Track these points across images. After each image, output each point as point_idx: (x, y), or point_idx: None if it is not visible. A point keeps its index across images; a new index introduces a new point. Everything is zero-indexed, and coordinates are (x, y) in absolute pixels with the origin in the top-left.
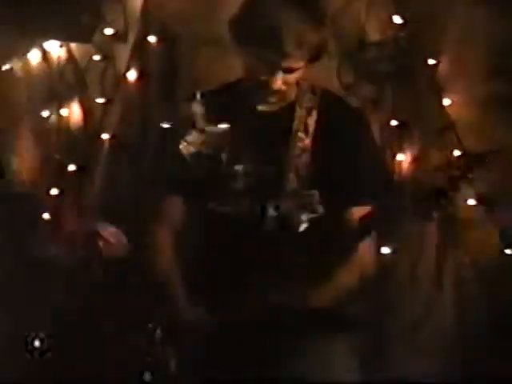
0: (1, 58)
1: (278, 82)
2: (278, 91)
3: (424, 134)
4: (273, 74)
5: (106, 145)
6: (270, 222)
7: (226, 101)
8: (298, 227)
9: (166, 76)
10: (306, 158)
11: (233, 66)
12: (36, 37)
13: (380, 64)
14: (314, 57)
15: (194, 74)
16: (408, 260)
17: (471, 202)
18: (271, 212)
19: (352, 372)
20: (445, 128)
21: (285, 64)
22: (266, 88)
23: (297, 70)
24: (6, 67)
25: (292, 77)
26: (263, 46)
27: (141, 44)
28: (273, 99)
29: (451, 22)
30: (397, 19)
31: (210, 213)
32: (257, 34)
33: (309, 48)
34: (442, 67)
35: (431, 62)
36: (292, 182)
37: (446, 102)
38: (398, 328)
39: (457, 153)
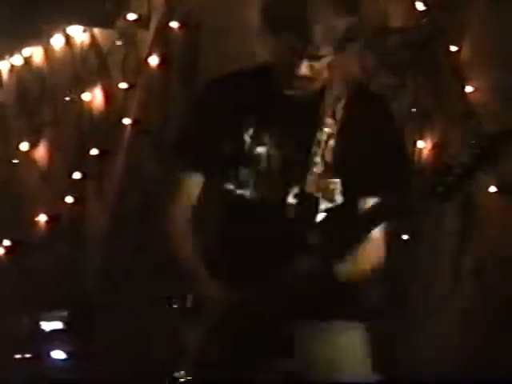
0: (23, 44)
1: (304, 68)
2: (305, 77)
3: (445, 121)
4: (299, 60)
5: (128, 129)
6: (289, 209)
7: (252, 83)
8: (315, 217)
9: (188, 62)
10: (332, 144)
11: (255, 53)
12: (59, 22)
13: (402, 51)
14: (342, 46)
15: (215, 60)
16: (426, 248)
17: (492, 189)
18: (291, 199)
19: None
20: (466, 115)
21: (311, 51)
22: (292, 73)
23: (323, 57)
24: (28, 52)
25: (318, 64)
26: (290, 32)
27: (163, 30)
28: (299, 84)
29: (473, 8)
30: (419, 6)
31: (228, 194)
32: (285, 21)
33: (336, 36)
34: (464, 54)
35: (453, 48)
36: (318, 167)
37: (468, 88)
38: (414, 317)
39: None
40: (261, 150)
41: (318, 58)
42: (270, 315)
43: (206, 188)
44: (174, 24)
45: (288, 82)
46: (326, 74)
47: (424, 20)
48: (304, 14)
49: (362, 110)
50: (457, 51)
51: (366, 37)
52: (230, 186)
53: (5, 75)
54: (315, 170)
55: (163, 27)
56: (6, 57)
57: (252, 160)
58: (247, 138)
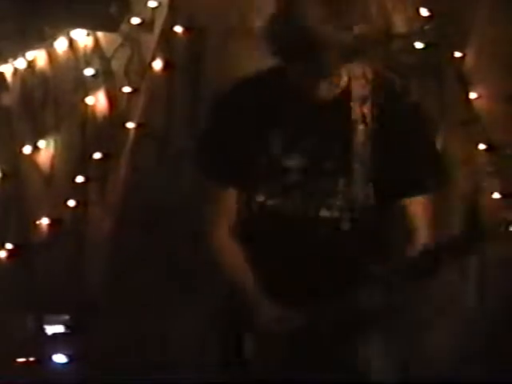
0: (27, 47)
1: (322, 89)
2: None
3: (449, 127)
4: (315, 83)
5: (132, 133)
6: (322, 223)
7: (273, 89)
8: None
9: (192, 66)
10: (368, 148)
11: (261, 57)
12: (63, 25)
13: (406, 56)
14: (353, 56)
15: (220, 65)
16: None
17: (496, 195)
18: (324, 212)
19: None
20: (470, 121)
21: (325, 73)
22: (311, 94)
23: (337, 74)
24: (31, 56)
25: (336, 78)
26: (301, 60)
27: (167, 34)
28: (324, 85)
29: (478, 14)
30: (424, 12)
31: (259, 206)
32: (293, 50)
33: (345, 50)
34: (469, 60)
35: (457, 54)
36: (357, 174)
37: (473, 95)
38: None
39: (482, 146)
40: (291, 161)
41: (332, 76)
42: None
43: (242, 202)
44: (178, 28)
45: (310, 85)
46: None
47: (428, 26)
48: (310, 39)
49: (392, 111)
50: (461, 57)
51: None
52: (260, 199)
53: (9, 78)
54: (355, 177)
55: (167, 31)
56: (10, 60)
57: (283, 172)
58: (277, 150)
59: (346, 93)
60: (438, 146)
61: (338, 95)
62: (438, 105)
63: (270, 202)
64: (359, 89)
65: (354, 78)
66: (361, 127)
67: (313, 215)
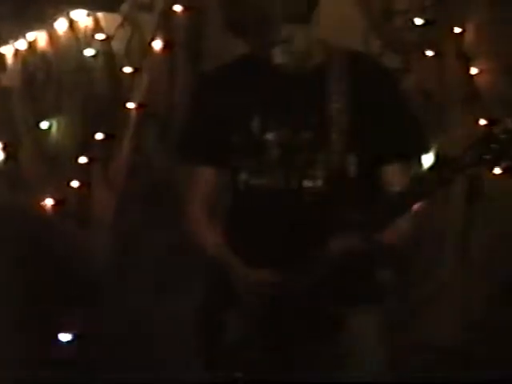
0: (27, 28)
1: (279, 55)
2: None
3: (450, 103)
4: (271, 50)
5: (133, 113)
6: (305, 194)
7: (247, 71)
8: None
9: (192, 45)
10: (346, 118)
11: None
12: (63, 6)
13: (406, 33)
14: (306, 18)
15: (220, 43)
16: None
17: (497, 170)
18: (307, 183)
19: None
20: (471, 97)
21: (276, 37)
22: (272, 63)
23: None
24: (32, 37)
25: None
26: (251, 31)
27: (167, 13)
28: (292, 64)
29: None
30: None
31: (244, 184)
32: (243, 23)
33: (297, 11)
34: (469, 36)
35: (457, 30)
36: (336, 144)
37: (473, 70)
38: (422, 297)
39: (482, 122)
40: (270, 137)
41: (286, 40)
42: (310, 297)
43: (220, 179)
44: (178, 7)
45: (283, 60)
46: (322, 49)
47: (427, 2)
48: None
49: (367, 81)
50: (461, 33)
51: (370, 19)
52: (244, 176)
53: (9, 59)
54: (334, 147)
55: (167, 10)
56: (11, 41)
57: (262, 147)
58: (254, 127)
59: (321, 66)
60: (414, 112)
61: (311, 70)
62: (439, 81)
63: (253, 180)
64: (335, 62)
65: (329, 54)
66: (336, 98)
67: (296, 187)
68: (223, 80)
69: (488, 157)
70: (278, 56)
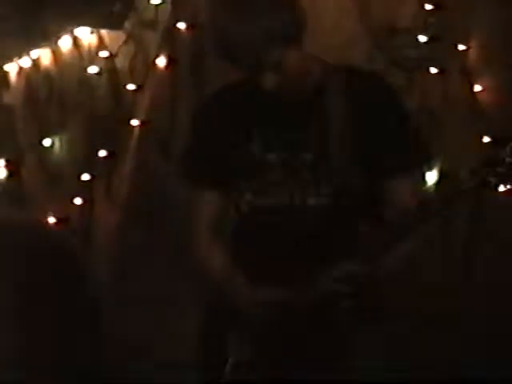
0: (31, 45)
1: (269, 80)
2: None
3: (454, 120)
4: (260, 76)
5: (137, 131)
6: (310, 212)
7: (245, 94)
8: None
9: (196, 63)
10: (346, 134)
11: None
12: (67, 23)
13: (410, 50)
14: (288, 42)
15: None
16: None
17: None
18: (311, 201)
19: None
20: (475, 114)
21: (262, 65)
22: (264, 88)
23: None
24: (36, 54)
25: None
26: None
27: (170, 31)
28: (286, 88)
29: (481, 7)
30: (427, 5)
31: (248, 205)
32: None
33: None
34: (473, 53)
35: (461, 47)
36: (337, 161)
37: (477, 88)
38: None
39: (486, 139)
40: (272, 158)
41: (274, 66)
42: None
43: (225, 201)
44: (182, 25)
45: (278, 84)
46: (319, 68)
47: (432, 19)
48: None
49: (367, 98)
50: (465, 50)
51: (374, 36)
52: (248, 197)
53: (13, 77)
54: (336, 164)
55: (171, 28)
56: (15, 59)
57: (266, 170)
58: (257, 149)
59: (319, 84)
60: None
61: (310, 88)
62: (443, 98)
63: (257, 201)
64: (332, 81)
65: (326, 72)
66: (336, 116)
67: (300, 205)
68: (221, 104)
69: (493, 180)
70: (268, 80)
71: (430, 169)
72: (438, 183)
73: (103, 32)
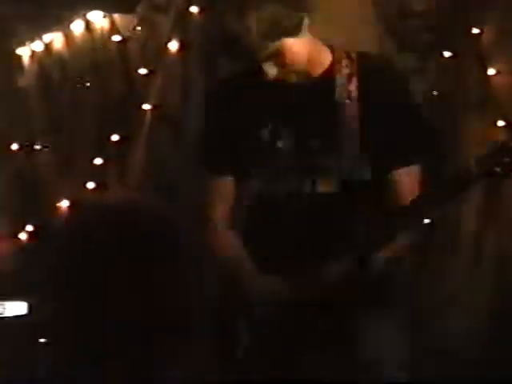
0: (44, 29)
1: (270, 69)
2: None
3: (467, 104)
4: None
5: (149, 115)
6: (319, 199)
7: (256, 80)
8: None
9: (208, 47)
10: (355, 124)
11: None
12: (79, 8)
13: (423, 33)
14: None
15: None
16: (446, 232)
17: None
18: (321, 188)
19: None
20: (489, 98)
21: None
22: (265, 78)
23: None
24: (48, 38)
25: (295, 44)
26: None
27: (183, 15)
28: (269, 67)
29: None
30: None
31: (259, 192)
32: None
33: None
34: (486, 36)
35: (475, 31)
36: (348, 148)
37: (491, 71)
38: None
39: (501, 123)
40: (282, 145)
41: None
42: (318, 306)
43: (239, 188)
44: (194, 8)
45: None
46: (330, 54)
47: (445, 2)
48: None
49: (377, 85)
50: (478, 33)
51: (386, 19)
52: (259, 184)
53: (26, 61)
54: (347, 152)
55: (183, 12)
56: (27, 43)
57: (276, 157)
58: (267, 136)
59: (330, 72)
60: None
61: (322, 76)
62: (456, 82)
63: (267, 187)
64: (344, 68)
65: (337, 59)
66: (347, 103)
67: (309, 193)
68: (231, 92)
69: (499, 169)
70: (270, 70)
71: (442, 156)
72: (449, 170)
73: (115, 16)
